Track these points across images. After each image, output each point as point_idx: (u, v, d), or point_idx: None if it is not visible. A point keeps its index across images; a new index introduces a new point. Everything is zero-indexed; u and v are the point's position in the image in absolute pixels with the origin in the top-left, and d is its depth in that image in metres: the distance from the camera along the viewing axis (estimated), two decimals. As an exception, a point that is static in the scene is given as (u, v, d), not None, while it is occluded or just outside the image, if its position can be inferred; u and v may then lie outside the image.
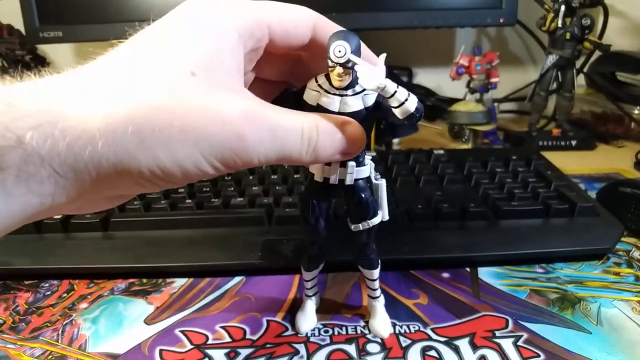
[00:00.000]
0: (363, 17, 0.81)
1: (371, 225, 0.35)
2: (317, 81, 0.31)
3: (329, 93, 0.31)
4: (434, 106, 0.99)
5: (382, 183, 0.35)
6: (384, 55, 0.30)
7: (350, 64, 0.29)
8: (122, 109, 0.23)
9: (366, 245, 0.37)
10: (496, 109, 0.93)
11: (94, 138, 0.23)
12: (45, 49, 1.02)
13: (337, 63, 0.29)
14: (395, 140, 0.85)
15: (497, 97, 1.02)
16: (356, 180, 0.34)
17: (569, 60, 0.85)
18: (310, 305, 0.41)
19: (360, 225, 0.35)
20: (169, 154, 0.24)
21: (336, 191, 0.34)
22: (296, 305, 0.42)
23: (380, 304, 0.41)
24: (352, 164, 0.32)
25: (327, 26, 0.31)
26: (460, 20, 0.86)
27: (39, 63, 0.98)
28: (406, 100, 0.29)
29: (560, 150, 0.86)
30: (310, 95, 0.31)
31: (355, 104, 0.30)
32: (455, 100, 0.90)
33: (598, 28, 0.90)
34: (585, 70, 0.96)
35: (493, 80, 0.89)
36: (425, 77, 1.08)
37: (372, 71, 0.29)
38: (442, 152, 0.67)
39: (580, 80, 0.98)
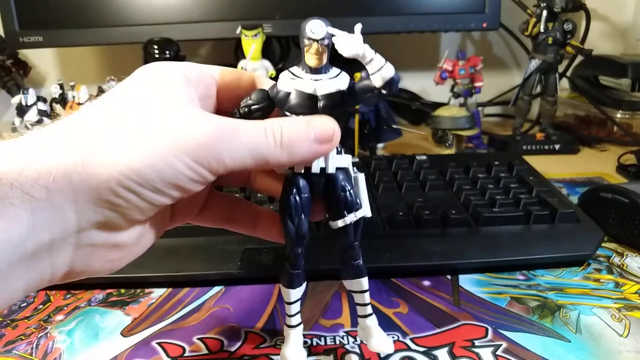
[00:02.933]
0: (347, 22, 0.80)
1: (358, 218, 0.33)
2: (289, 70, 0.31)
3: (303, 78, 0.31)
4: (419, 110, 0.99)
5: (361, 176, 0.35)
6: (359, 25, 0.30)
7: (327, 42, 0.29)
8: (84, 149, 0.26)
9: (353, 247, 0.34)
10: (480, 113, 0.93)
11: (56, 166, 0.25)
12: (26, 53, 1.01)
13: (314, 39, 0.29)
14: (380, 145, 0.85)
15: (482, 101, 1.02)
16: (337, 169, 0.33)
17: (551, 64, 0.85)
18: (296, 336, 0.36)
19: (347, 218, 0.33)
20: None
21: (317, 184, 0.33)
22: (274, 316, 0.42)
23: (373, 321, 0.36)
24: (332, 151, 0.32)
25: (265, 80, 0.35)
26: (444, 24, 0.86)
27: (21, 68, 0.97)
28: (383, 66, 0.29)
29: (544, 154, 0.87)
30: (284, 83, 0.31)
31: (330, 86, 0.31)
32: (439, 105, 0.90)
33: (581, 32, 0.91)
34: (568, 74, 0.96)
35: (477, 84, 0.89)
36: (410, 81, 1.08)
37: (349, 39, 0.29)
38: (424, 157, 0.67)
39: (564, 83, 0.98)
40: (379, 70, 0.29)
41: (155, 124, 0.27)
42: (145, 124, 0.27)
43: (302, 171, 0.32)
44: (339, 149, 0.33)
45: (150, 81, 0.30)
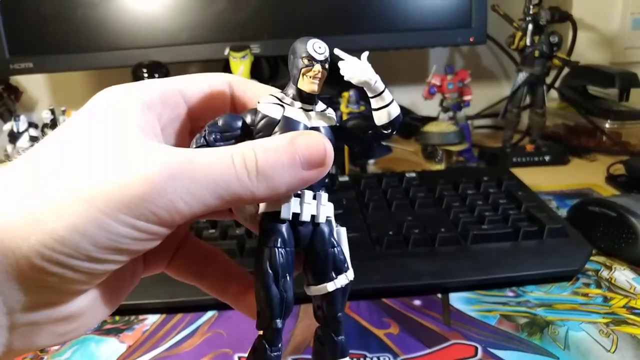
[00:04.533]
0: (335, 40, 0.82)
1: (349, 280, 0.27)
2: (274, 95, 0.27)
3: (293, 107, 0.26)
4: (409, 125, 1.00)
5: (344, 230, 0.29)
6: (366, 53, 0.26)
7: (326, 66, 0.26)
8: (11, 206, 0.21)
9: (339, 321, 0.28)
10: (470, 126, 0.94)
11: None
12: (18, 78, 1.01)
13: (317, 60, 0.25)
14: (371, 161, 0.86)
15: (471, 114, 1.03)
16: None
17: (539, 77, 0.86)
18: None
19: (337, 281, 0.27)
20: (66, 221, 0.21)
21: (304, 237, 0.27)
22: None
23: None
24: (324, 195, 0.27)
25: (243, 83, 0.30)
26: (431, 40, 0.87)
27: (12, 93, 0.98)
28: (392, 102, 0.26)
29: (534, 165, 0.87)
30: (270, 108, 0.26)
31: (321, 120, 0.27)
32: (429, 119, 0.91)
33: (568, 42, 0.92)
34: (557, 84, 0.97)
35: (466, 98, 0.89)
36: (399, 96, 1.09)
37: (360, 64, 0.25)
38: (413, 174, 0.67)
39: (554, 93, 0.99)
40: (387, 106, 0.26)
41: (84, 174, 0.22)
42: (73, 175, 0.22)
43: (290, 218, 0.26)
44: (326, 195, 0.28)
45: (96, 114, 0.24)
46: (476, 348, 0.42)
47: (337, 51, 0.26)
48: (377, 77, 0.25)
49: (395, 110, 0.26)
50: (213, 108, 0.29)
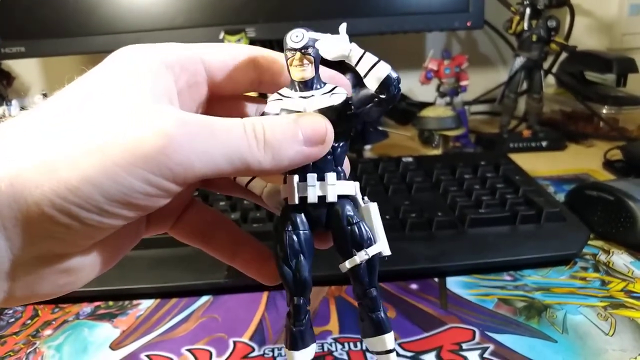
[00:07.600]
0: (331, 25, 0.81)
1: (370, 255, 0.27)
2: (278, 92, 0.28)
3: (292, 97, 0.27)
4: (406, 110, 0.99)
5: (374, 205, 0.29)
6: (344, 25, 0.26)
7: (311, 51, 0.26)
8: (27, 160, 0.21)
9: (368, 296, 0.28)
10: (467, 111, 0.93)
11: None
12: (10, 63, 1.00)
13: (295, 49, 0.26)
14: (367, 147, 0.85)
15: (468, 99, 1.02)
16: (340, 197, 0.27)
17: (536, 62, 0.85)
18: None
19: (356, 257, 0.27)
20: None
21: (318, 218, 0.28)
22: (262, 325, 0.42)
23: None
24: (331, 175, 0.27)
25: (269, 55, 0.30)
26: (428, 24, 0.86)
27: (4, 78, 0.96)
28: (376, 64, 0.26)
29: (531, 151, 0.87)
30: (271, 105, 0.27)
31: (321, 102, 0.27)
32: (426, 104, 0.90)
33: (565, 27, 0.91)
34: (554, 70, 0.96)
35: (463, 83, 0.89)
36: (396, 81, 1.08)
37: (333, 39, 0.26)
38: (410, 159, 0.67)
39: (551, 79, 0.99)
40: (372, 70, 0.26)
41: (100, 126, 0.22)
42: (89, 127, 0.22)
43: (297, 202, 0.27)
44: (342, 174, 0.28)
45: (115, 70, 0.25)
46: (474, 332, 0.41)
47: (312, 34, 0.27)
48: (351, 46, 0.26)
49: (382, 71, 0.26)
50: (235, 80, 0.29)
